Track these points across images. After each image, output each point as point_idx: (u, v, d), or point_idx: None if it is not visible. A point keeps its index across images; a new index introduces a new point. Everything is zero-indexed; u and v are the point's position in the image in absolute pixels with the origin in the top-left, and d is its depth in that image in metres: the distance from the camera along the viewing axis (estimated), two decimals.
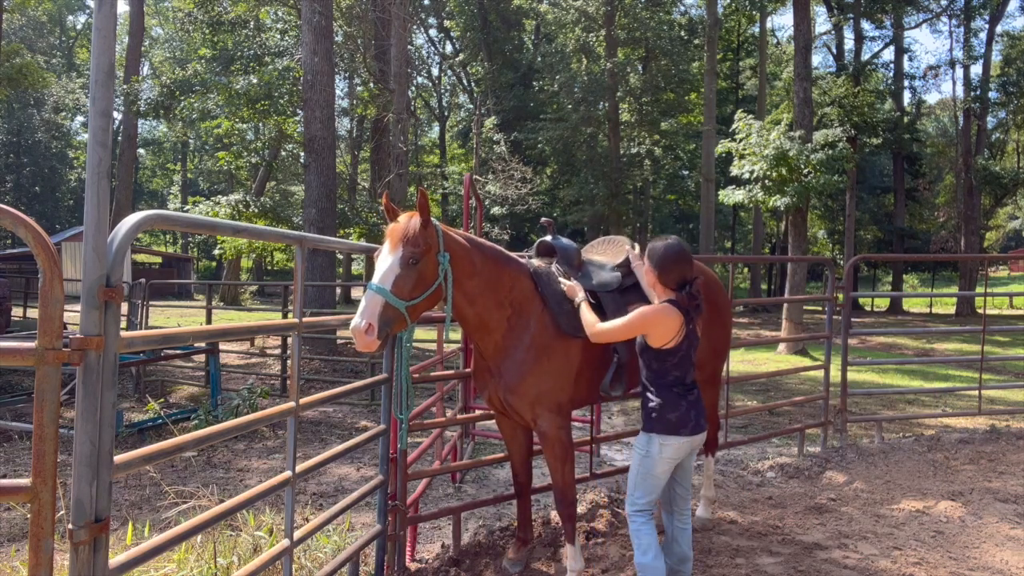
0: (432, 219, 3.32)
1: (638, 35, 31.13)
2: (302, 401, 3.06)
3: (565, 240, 3.99)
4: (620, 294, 3.85)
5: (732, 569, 4.18)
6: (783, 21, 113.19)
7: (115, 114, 26.56)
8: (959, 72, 36.08)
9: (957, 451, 6.92)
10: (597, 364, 3.79)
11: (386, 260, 3.18)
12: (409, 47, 21.64)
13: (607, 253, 4.18)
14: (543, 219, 4.31)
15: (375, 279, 3.14)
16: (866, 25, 34.05)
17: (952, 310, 33.85)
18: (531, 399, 3.61)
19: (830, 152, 20.93)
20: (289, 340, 10.28)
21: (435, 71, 44.51)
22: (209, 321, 15.24)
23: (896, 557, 4.39)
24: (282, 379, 11.18)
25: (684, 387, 3.36)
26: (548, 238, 4.00)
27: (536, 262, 3.86)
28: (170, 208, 32.70)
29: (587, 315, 3.45)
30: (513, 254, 3.85)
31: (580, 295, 3.56)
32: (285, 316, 11.60)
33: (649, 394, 3.39)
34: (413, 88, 37.45)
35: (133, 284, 13.11)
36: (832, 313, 7.32)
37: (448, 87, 46.49)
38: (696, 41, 35.84)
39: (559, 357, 3.63)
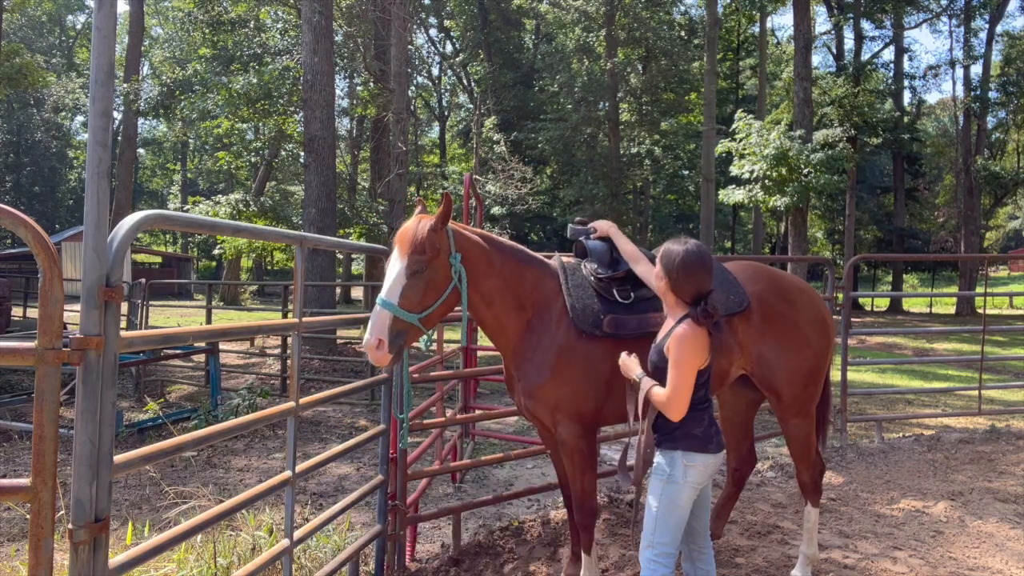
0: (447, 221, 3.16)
1: (638, 35, 31.15)
2: (302, 401, 3.06)
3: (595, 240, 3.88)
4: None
5: (732, 569, 4.18)
6: (783, 21, 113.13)
7: (115, 114, 26.55)
8: (959, 72, 36.11)
9: (956, 451, 6.92)
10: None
11: (393, 270, 3.03)
12: (409, 47, 21.63)
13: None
14: (577, 219, 4.10)
15: (383, 292, 3.00)
16: (866, 25, 34.05)
17: (952, 310, 33.84)
18: (550, 405, 3.38)
19: (830, 152, 20.96)
20: (289, 340, 10.29)
21: (435, 71, 44.55)
22: (209, 321, 15.23)
23: (896, 557, 4.39)
24: (282, 379, 11.18)
25: (707, 402, 3.00)
26: (582, 238, 3.89)
27: (566, 259, 3.71)
28: (170, 208, 32.71)
29: (656, 393, 2.84)
30: (537, 254, 3.71)
31: (635, 371, 2.96)
32: (285, 316, 11.60)
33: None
34: (413, 88, 37.46)
35: (133, 284, 13.11)
36: (832, 313, 7.32)
37: (448, 87, 46.51)
38: (696, 41, 35.84)
39: (581, 361, 3.35)
